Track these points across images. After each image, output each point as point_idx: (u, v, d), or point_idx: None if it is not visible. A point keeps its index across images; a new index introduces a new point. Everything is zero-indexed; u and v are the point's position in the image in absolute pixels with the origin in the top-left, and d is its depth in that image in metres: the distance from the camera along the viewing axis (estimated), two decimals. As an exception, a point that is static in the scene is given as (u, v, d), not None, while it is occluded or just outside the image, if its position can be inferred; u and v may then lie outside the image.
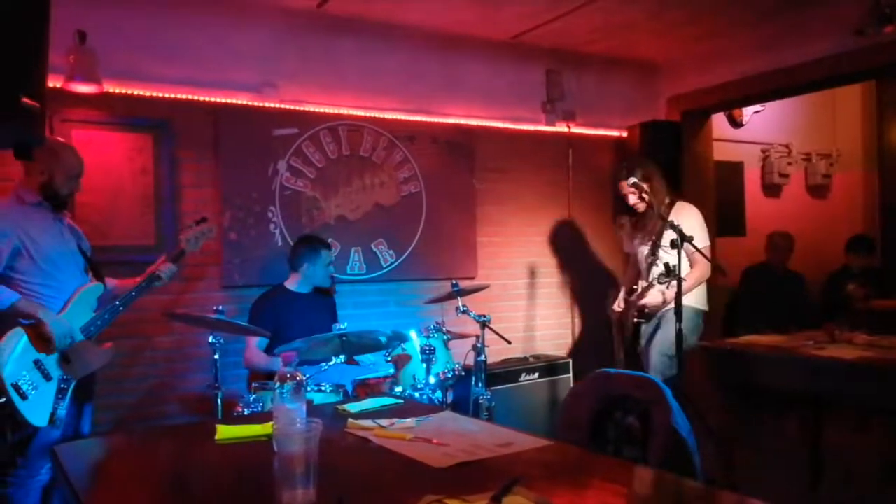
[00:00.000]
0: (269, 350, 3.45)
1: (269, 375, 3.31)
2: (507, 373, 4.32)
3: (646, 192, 3.62)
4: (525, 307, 4.98)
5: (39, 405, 2.63)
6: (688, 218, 3.55)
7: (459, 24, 4.41)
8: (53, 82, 3.23)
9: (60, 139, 3.12)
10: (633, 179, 3.65)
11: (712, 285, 5.36)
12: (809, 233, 6.16)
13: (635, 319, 3.67)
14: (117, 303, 2.89)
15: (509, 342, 4.37)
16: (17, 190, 2.80)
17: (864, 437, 4.31)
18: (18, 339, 2.62)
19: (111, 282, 3.02)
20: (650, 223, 3.64)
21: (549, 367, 4.50)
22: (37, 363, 2.65)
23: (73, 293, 2.80)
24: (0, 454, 2.68)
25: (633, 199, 3.67)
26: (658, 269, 3.51)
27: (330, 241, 4.13)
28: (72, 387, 2.74)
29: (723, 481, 3.23)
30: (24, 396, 2.58)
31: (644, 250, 3.71)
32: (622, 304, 3.82)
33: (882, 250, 6.12)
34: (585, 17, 4.31)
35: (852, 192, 6.77)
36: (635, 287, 3.72)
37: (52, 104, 3.27)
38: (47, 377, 2.67)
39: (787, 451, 4.09)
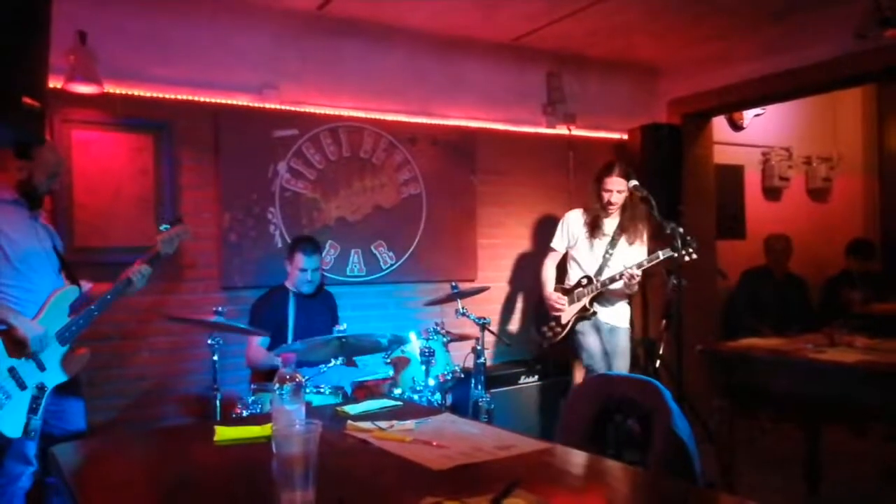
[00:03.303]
0: (271, 348, 3.45)
1: (272, 373, 3.31)
2: (506, 375, 4.31)
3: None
4: (525, 309, 4.97)
5: (13, 415, 2.53)
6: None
7: (460, 26, 4.41)
8: (54, 83, 3.21)
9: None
10: (633, 182, 3.82)
11: (712, 288, 5.43)
12: (810, 236, 6.16)
13: (575, 320, 3.92)
14: (92, 307, 2.78)
15: (509, 344, 4.37)
16: None
17: (864, 442, 4.32)
18: None
19: (86, 284, 2.92)
20: (629, 223, 3.89)
21: (549, 369, 4.49)
22: (11, 371, 2.54)
23: (47, 297, 2.70)
24: None
25: (620, 198, 3.87)
26: (611, 269, 3.83)
27: (329, 242, 4.14)
28: (46, 395, 2.64)
29: (722, 485, 3.23)
30: None
31: (599, 247, 3.92)
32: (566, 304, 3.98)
33: (882, 254, 6.13)
34: (586, 20, 4.31)
35: (853, 195, 6.77)
36: (581, 283, 3.91)
37: (53, 105, 3.27)
38: (22, 386, 2.57)
39: (785, 455, 4.09)
